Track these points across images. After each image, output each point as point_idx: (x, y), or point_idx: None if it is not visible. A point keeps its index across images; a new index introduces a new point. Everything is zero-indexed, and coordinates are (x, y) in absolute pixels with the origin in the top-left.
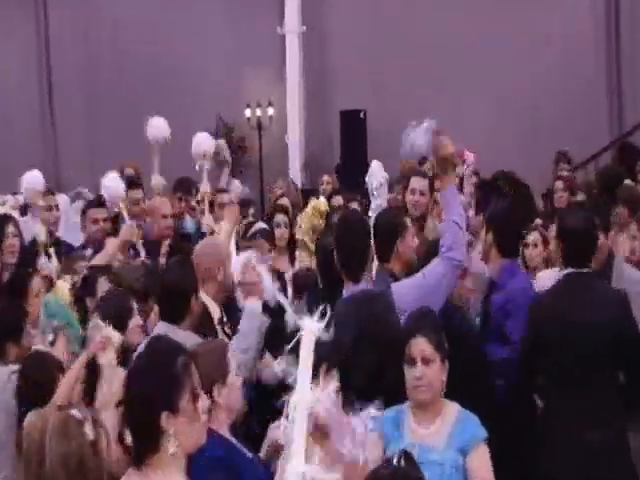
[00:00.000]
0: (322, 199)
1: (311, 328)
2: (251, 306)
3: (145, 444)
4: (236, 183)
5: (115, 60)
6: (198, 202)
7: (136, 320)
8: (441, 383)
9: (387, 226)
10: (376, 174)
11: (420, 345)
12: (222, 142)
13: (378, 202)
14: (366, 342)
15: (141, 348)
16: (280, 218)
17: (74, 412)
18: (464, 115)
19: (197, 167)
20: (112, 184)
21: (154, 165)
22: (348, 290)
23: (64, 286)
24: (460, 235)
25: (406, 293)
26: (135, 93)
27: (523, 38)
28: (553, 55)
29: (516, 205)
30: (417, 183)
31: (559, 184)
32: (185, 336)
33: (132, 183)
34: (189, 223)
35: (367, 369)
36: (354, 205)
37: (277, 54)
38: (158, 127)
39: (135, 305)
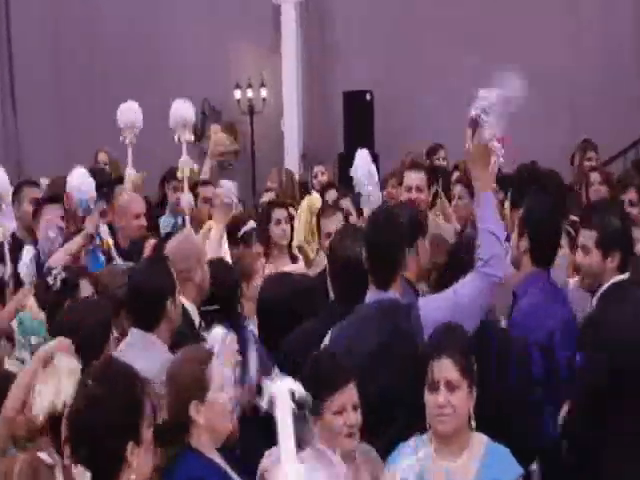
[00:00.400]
0: (315, 194)
1: (284, 390)
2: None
3: (105, 477)
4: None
5: (85, 41)
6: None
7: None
8: (467, 412)
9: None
10: (362, 164)
11: (444, 368)
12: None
13: (370, 189)
14: (386, 357)
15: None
16: (280, 213)
17: (43, 456)
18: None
19: (176, 138)
20: (81, 181)
21: (128, 157)
22: (372, 297)
23: (33, 303)
24: (498, 247)
25: (434, 310)
26: (107, 76)
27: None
28: (591, 39)
29: (557, 204)
30: (412, 179)
31: (596, 176)
32: (155, 348)
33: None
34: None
35: (383, 387)
36: (346, 202)
37: (271, 27)
38: (130, 113)
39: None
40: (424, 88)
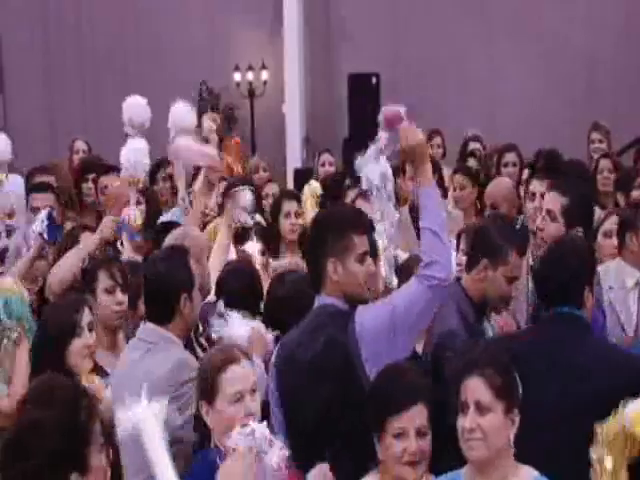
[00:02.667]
0: (314, 182)
1: (146, 416)
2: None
3: None
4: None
5: (79, 24)
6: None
7: (83, 340)
8: (505, 440)
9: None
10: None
11: (474, 387)
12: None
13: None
14: (319, 372)
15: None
16: (290, 206)
17: None
18: (500, 82)
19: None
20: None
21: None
22: (317, 301)
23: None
24: (440, 247)
25: (372, 319)
26: (102, 59)
27: None
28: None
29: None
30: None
31: (605, 163)
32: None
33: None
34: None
35: (315, 403)
36: (352, 194)
37: (272, 6)
38: (137, 109)
39: (87, 319)
40: (432, 71)
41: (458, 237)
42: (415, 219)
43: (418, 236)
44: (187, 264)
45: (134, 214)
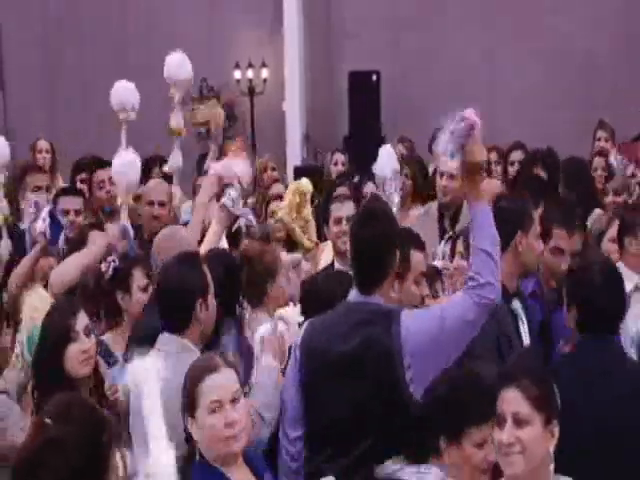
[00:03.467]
0: (305, 180)
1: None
2: (268, 363)
3: None
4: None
5: (77, 18)
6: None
7: (79, 345)
8: (544, 453)
9: (507, 214)
10: (390, 163)
11: (511, 399)
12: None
13: (392, 191)
14: (354, 369)
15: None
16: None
17: None
18: (500, 80)
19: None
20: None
21: (121, 141)
22: (353, 300)
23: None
24: (492, 268)
25: (418, 326)
26: (100, 55)
27: None
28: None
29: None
30: (444, 165)
31: (600, 161)
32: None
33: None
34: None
35: (350, 400)
36: (342, 190)
37: (272, 3)
38: (124, 92)
39: (82, 323)
40: (432, 69)
41: (454, 241)
42: (441, 217)
43: (441, 235)
44: (200, 269)
45: None
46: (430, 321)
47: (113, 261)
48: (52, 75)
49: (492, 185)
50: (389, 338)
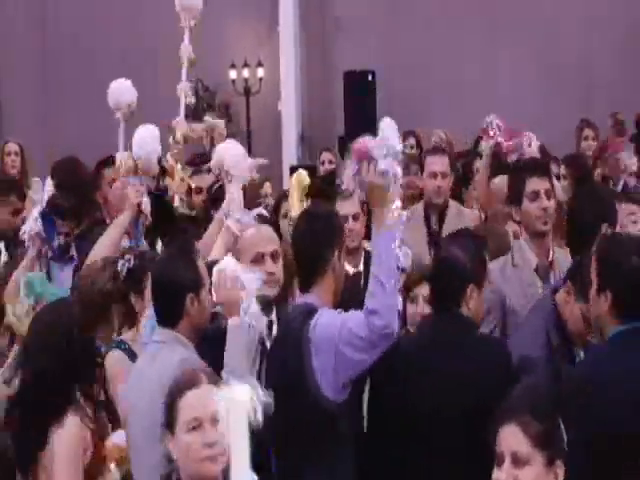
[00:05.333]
0: (302, 171)
1: (239, 397)
2: (232, 323)
3: None
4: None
5: (74, 15)
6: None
7: None
8: None
9: None
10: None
11: (511, 437)
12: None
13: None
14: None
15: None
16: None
17: None
18: (495, 80)
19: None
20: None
21: (119, 139)
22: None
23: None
24: (382, 297)
25: (321, 324)
26: (95, 53)
27: None
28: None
29: None
30: (437, 164)
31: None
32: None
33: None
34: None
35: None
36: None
37: (268, 3)
38: (122, 91)
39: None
40: (428, 69)
41: None
42: (427, 218)
43: (429, 234)
44: (193, 264)
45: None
46: (334, 320)
47: (127, 261)
48: (48, 81)
49: (503, 183)
50: (304, 328)
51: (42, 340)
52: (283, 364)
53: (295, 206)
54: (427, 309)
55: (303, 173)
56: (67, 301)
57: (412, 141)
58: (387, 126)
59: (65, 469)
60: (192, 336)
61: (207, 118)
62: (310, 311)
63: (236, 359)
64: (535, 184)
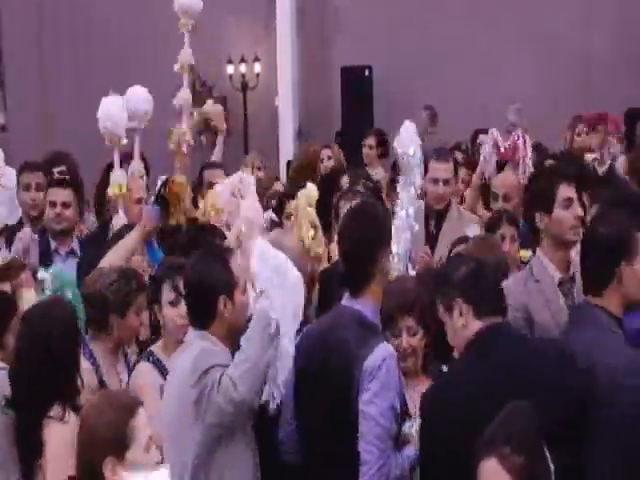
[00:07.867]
0: (311, 185)
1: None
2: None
3: None
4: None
5: (72, 12)
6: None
7: None
8: None
9: (607, 240)
10: (405, 138)
11: (489, 472)
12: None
13: (411, 179)
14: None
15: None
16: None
17: None
18: (494, 78)
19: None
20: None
21: (135, 148)
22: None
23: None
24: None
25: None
26: (93, 49)
27: None
28: (606, 17)
29: None
30: (439, 170)
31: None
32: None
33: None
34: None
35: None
36: (359, 188)
37: None
38: (139, 99)
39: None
40: (426, 65)
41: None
42: (426, 219)
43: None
44: (225, 266)
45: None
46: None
47: (143, 271)
48: (48, 72)
49: (511, 177)
50: (360, 353)
51: (29, 347)
52: (324, 363)
53: (303, 225)
54: (413, 342)
55: (312, 187)
56: (63, 303)
57: (371, 141)
58: (405, 130)
59: (56, 466)
60: (226, 338)
61: (209, 101)
62: (363, 324)
63: (252, 346)
64: (567, 191)
